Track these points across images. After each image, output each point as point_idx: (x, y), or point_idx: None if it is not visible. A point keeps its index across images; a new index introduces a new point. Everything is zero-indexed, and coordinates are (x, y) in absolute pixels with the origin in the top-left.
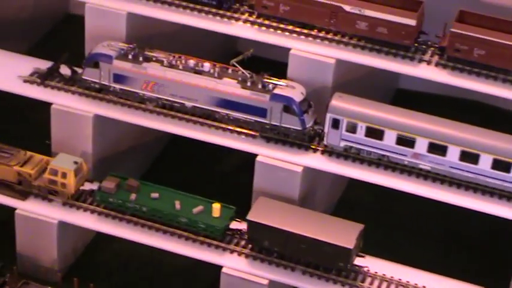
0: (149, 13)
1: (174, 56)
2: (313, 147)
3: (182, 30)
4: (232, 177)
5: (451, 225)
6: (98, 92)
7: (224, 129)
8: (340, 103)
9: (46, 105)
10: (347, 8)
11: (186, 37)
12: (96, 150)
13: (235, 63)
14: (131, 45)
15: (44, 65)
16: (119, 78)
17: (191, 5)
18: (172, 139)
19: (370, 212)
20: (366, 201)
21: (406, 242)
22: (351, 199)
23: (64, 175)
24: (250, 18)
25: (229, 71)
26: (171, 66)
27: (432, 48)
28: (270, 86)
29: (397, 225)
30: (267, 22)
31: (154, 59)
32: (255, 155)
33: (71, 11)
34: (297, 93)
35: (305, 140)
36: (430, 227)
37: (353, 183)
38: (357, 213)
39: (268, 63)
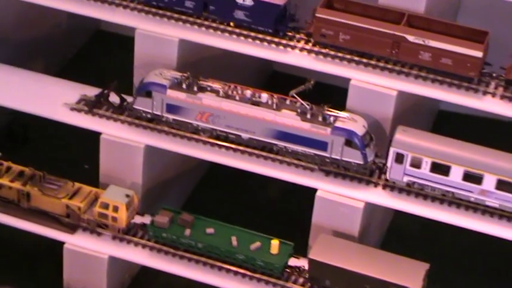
0: (202, 40)
1: (229, 86)
2: (374, 181)
3: (225, 54)
4: (275, 206)
5: (503, 259)
6: (149, 122)
7: (281, 162)
8: (405, 137)
9: (93, 134)
10: (410, 38)
11: (227, 60)
12: (145, 181)
13: (294, 95)
14: (185, 74)
15: (91, 91)
16: (172, 108)
17: (245, 32)
18: (211, 166)
19: (418, 242)
20: (413, 230)
21: (456, 274)
22: (398, 229)
23: (116, 209)
24: (307, 46)
25: (288, 102)
26: (227, 96)
27: (496, 80)
28: (331, 118)
29: (446, 255)
30: (324, 50)
31: (209, 88)
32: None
33: (102, 28)
34: (359, 127)
35: (366, 174)
36: (480, 259)
37: (399, 212)
38: (406, 244)
39: (321, 87)
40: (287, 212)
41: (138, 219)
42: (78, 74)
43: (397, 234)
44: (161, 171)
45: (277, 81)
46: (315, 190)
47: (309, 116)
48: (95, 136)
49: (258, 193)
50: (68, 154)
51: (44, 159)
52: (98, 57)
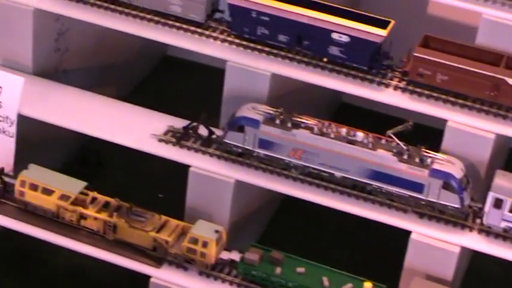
0: (295, 75)
1: (323, 123)
2: (469, 225)
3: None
4: (358, 244)
5: None
6: (239, 156)
7: (374, 202)
8: (504, 182)
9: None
10: (511, 81)
11: (303, 92)
12: (232, 215)
13: (391, 135)
14: (279, 110)
15: (178, 123)
16: (264, 143)
17: (338, 68)
18: (285, 199)
19: (501, 285)
20: (494, 272)
21: None
22: (478, 270)
23: (205, 244)
24: (401, 85)
25: (383, 141)
26: (321, 133)
27: None
28: (428, 160)
29: None
30: (419, 89)
31: (303, 125)
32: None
33: (170, 53)
34: (457, 170)
35: (462, 218)
36: None
37: (478, 254)
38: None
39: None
40: (371, 252)
41: (224, 255)
42: (145, 99)
43: (477, 276)
44: (246, 205)
45: (346, 113)
46: (399, 231)
47: (405, 156)
48: (169, 164)
49: (340, 230)
50: (142, 181)
51: (117, 186)
52: (164, 83)
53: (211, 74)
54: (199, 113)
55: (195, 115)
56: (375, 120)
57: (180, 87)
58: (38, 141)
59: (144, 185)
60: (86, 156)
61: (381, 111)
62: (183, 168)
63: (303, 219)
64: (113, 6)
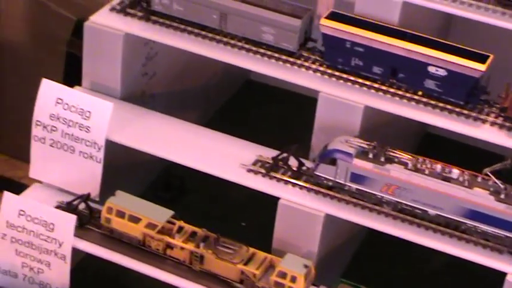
0: (388, 108)
1: (417, 158)
2: None
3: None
4: (440, 279)
5: None
6: (329, 189)
7: (467, 241)
8: None
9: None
10: None
11: (392, 124)
12: (320, 250)
13: (488, 173)
14: (372, 143)
15: (266, 152)
16: (356, 177)
17: (432, 102)
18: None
19: None
20: None
21: None
22: None
23: (293, 279)
24: (498, 121)
25: (479, 179)
26: (416, 169)
27: None
28: None
29: None
30: None
31: (396, 160)
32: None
33: (252, 78)
34: None
35: None
36: None
37: None
38: None
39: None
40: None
41: None
42: (228, 125)
43: None
44: (334, 239)
45: (431, 143)
46: (492, 272)
47: (503, 196)
48: (252, 191)
49: (429, 268)
50: (224, 209)
51: (199, 212)
52: (247, 108)
53: (295, 99)
54: (284, 141)
55: (279, 143)
56: (461, 152)
57: (263, 114)
58: (121, 166)
59: (226, 212)
60: (170, 182)
61: (468, 142)
62: (266, 197)
63: (389, 253)
64: (203, 33)
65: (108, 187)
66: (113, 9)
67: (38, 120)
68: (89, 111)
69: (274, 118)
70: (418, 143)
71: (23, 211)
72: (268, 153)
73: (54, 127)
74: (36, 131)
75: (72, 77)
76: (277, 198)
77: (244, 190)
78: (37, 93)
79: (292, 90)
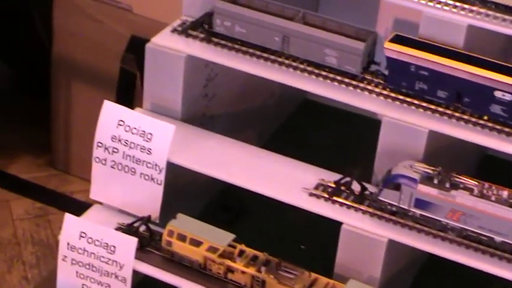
0: (453, 132)
1: (483, 184)
2: None
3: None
4: None
5: None
6: (392, 215)
7: None
8: None
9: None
10: None
11: (452, 146)
12: (383, 275)
13: None
14: (437, 169)
15: (328, 176)
16: (421, 203)
17: (498, 127)
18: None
19: None
20: None
21: None
22: None
23: None
24: None
25: None
26: (481, 196)
27: None
28: None
29: None
30: None
31: (462, 186)
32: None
33: (309, 97)
34: None
35: None
36: None
37: None
38: None
39: None
40: None
41: None
42: (285, 146)
43: None
44: (397, 264)
45: (489, 165)
46: None
47: None
48: (310, 214)
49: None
50: (283, 231)
51: (258, 234)
52: (305, 129)
53: (353, 119)
54: (344, 163)
55: (339, 165)
56: None
57: (321, 134)
58: (180, 187)
59: (285, 234)
60: (228, 203)
61: None
62: (325, 220)
63: (450, 279)
64: (265, 55)
65: (165, 208)
66: (174, 30)
67: (99, 142)
68: (151, 133)
69: (333, 139)
70: (477, 165)
71: (84, 233)
72: (330, 177)
73: (116, 149)
74: (97, 152)
75: (125, 92)
76: (339, 223)
77: (303, 212)
78: (89, 109)
79: (350, 111)
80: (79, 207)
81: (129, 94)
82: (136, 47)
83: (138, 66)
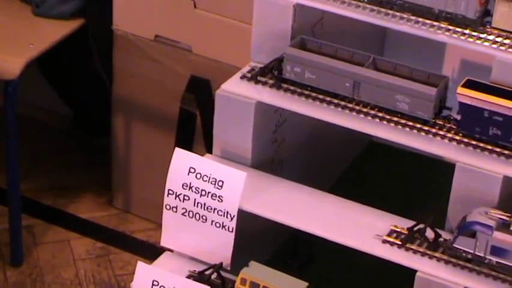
0: None
1: None
2: None
3: None
4: None
5: None
6: (467, 262)
7: None
8: None
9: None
10: None
11: None
12: None
13: None
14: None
15: (400, 222)
16: (497, 250)
17: None
18: None
19: None
20: None
21: None
22: None
23: None
24: None
25: None
26: None
27: None
28: None
29: None
30: None
31: None
32: None
33: (374, 139)
34: None
35: None
36: None
37: None
38: None
39: None
40: None
41: None
42: (352, 190)
43: None
44: None
45: None
46: None
47: None
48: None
49: None
50: (352, 277)
51: (328, 280)
52: (370, 172)
53: (420, 161)
54: (414, 207)
55: (409, 209)
56: None
57: (387, 178)
58: (249, 233)
59: (356, 281)
60: (298, 249)
61: None
62: (397, 266)
63: None
64: (336, 101)
65: (236, 255)
66: (243, 77)
67: (170, 189)
68: (222, 181)
69: (399, 182)
70: None
71: (157, 281)
72: (402, 223)
73: (187, 196)
74: (168, 199)
75: (185, 132)
76: (413, 271)
77: (373, 259)
78: (149, 149)
79: (417, 152)
80: (139, 247)
81: (189, 134)
82: (196, 87)
83: (198, 106)
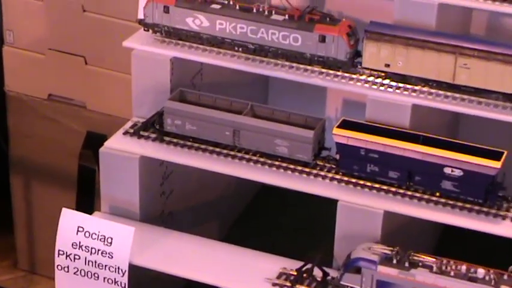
0: (407, 211)
1: (441, 261)
2: None
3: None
4: None
5: None
6: None
7: None
8: None
9: None
10: None
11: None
12: None
13: None
14: (394, 249)
15: (290, 264)
16: (382, 284)
17: (451, 202)
18: None
19: None
20: None
21: None
22: None
23: None
24: None
25: (505, 277)
26: (441, 272)
27: None
28: None
29: None
30: None
31: (421, 264)
32: None
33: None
34: None
35: None
36: None
37: None
38: None
39: None
40: None
41: None
42: (246, 236)
43: None
44: None
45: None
46: None
47: None
48: None
49: None
50: None
51: None
52: (263, 216)
53: (312, 203)
54: (305, 248)
55: (301, 250)
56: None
57: (280, 220)
58: (144, 287)
59: None
60: None
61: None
62: None
63: None
64: (217, 149)
65: None
66: (126, 133)
67: (60, 250)
68: (111, 237)
69: (292, 224)
70: (437, 239)
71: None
72: (291, 264)
73: (77, 255)
74: (59, 260)
75: (86, 188)
76: None
77: None
78: (50, 208)
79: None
80: None
81: (89, 190)
82: (93, 143)
83: (96, 162)
